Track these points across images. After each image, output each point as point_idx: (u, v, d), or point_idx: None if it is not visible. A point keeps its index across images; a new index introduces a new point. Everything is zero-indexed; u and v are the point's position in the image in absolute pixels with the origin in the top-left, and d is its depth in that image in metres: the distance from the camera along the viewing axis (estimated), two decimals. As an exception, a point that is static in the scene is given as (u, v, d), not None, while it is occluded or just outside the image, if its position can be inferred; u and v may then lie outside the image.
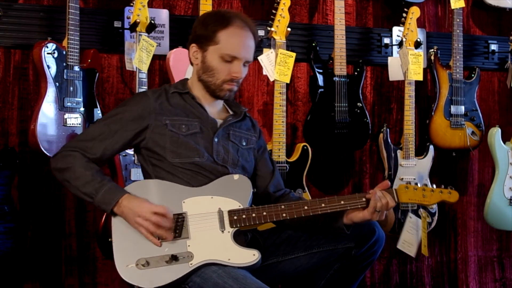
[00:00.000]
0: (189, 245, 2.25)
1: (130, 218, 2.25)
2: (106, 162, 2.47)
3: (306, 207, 2.34)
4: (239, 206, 2.32)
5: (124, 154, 3.01)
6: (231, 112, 2.57)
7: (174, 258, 2.21)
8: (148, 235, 2.24)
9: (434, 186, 2.48)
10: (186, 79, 2.55)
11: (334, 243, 2.45)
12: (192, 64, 2.50)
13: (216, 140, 2.44)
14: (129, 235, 2.26)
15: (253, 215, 2.30)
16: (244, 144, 2.53)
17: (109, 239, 2.30)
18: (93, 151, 2.36)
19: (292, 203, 2.35)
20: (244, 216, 2.30)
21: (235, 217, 2.29)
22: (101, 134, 2.38)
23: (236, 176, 2.38)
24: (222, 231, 2.28)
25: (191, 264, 2.22)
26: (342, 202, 2.35)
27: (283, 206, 2.34)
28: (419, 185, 2.48)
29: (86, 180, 2.30)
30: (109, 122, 2.41)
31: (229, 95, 2.46)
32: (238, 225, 2.29)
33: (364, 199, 2.35)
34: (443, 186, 2.47)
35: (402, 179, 3.54)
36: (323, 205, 2.34)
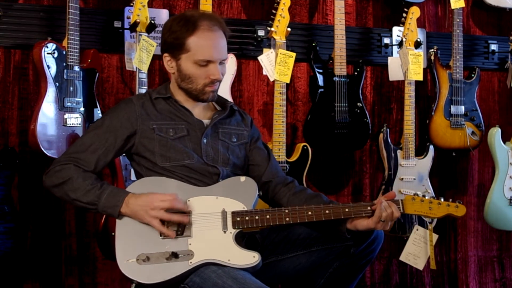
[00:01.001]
0: (190, 244, 2.25)
1: (141, 214, 2.24)
2: (101, 171, 2.44)
3: (310, 213, 2.34)
4: (243, 208, 2.32)
5: (124, 154, 3.00)
6: (218, 108, 2.56)
7: (174, 256, 2.22)
8: (162, 228, 2.23)
9: (442, 199, 2.45)
10: (169, 82, 2.54)
11: (332, 242, 2.46)
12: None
13: (204, 140, 2.44)
14: (132, 230, 2.26)
15: (256, 217, 2.31)
16: (234, 140, 2.52)
17: (112, 233, 2.31)
18: (86, 164, 2.34)
19: (296, 208, 2.35)
20: (247, 218, 2.30)
21: (238, 219, 2.29)
22: (92, 144, 2.37)
23: (242, 178, 2.39)
24: (224, 232, 2.28)
25: (191, 262, 2.22)
26: (347, 210, 2.35)
27: (286, 211, 2.34)
28: (419, 192, 2.47)
29: (86, 189, 2.28)
30: (98, 132, 2.39)
31: (212, 96, 2.45)
32: (241, 227, 2.30)
33: (369, 208, 2.34)
34: (451, 200, 2.45)
35: (402, 179, 3.54)
36: (327, 211, 2.34)
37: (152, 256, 2.22)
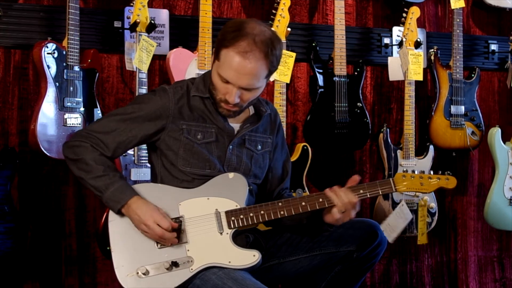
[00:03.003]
0: (188, 250, 2.24)
1: (136, 223, 2.25)
2: (118, 157, 2.43)
3: (303, 203, 2.31)
4: (236, 205, 2.30)
5: (124, 154, 3.00)
6: (251, 112, 2.46)
7: (174, 264, 2.20)
8: (151, 239, 2.24)
9: (432, 172, 2.45)
10: (210, 75, 2.39)
11: (336, 246, 2.45)
12: None
13: (230, 148, 2.39)
14: (127, 243, 2.25)
15: (251, 214, 2.28)
16: (259, 148, 2.47)
17: (107, 248, 2.30)
18: (105, 146, 2.31)
19: (289, 199, 2.33)
20: (242, 216, 2.28)
21: (233, 218, 2.28)
22: (116, 129, 2.32)
23: (231, 175, 2.34)
24: (221, 233, 2.27)
25: (191, 269, 2.21)
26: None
27: (280, 204, 2.31)
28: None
29: (97, 174, 2.26)
30: (125, 118, 2.34)
31: (229, 115, 2.34)
32: (237, 226, 2.28)
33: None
34: (440, 172, 2.42)
35: (402, 179, 3.54)
36: (320, 199, 2.33)
37: (152, 268, 2.21)
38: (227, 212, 2.28)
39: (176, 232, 2.24)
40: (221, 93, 2.29)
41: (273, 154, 2.54)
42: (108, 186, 2.25)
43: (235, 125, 2.41)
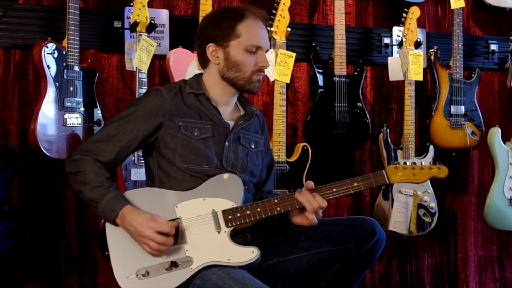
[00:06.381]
0: (187, 250, 2.24)
1: (133, 235, 2.24)
2: (121, 163, 2.44)
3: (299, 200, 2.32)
4: (232, 205, 2.30)
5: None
6: (242, 112, 2.52)
7: (174, 265, 2.21)
8: (149, 251, 2.23)
9: (423, 162, 2.47)
10: (201, 75, 2.48)
11: (334, 244, 2.45)
12: (204, 66, 2.45)
13: (227, 144, 2.41)
14: (125, 246, 2.25)
15: (248, 212, 2.29)
16: (253, 147, 2.50)
17: (106, 253, 2.30)
18: (107, 153, 2.32)
19: (285, 196, 2.33)
20: (238, 215, 2.29)
21: (230, 217, 2.28)
22: (116, 135, 2.34)
23: (226, 176, 2.35)
24: (219, 232, 2.27)
25: (191, 268, 2.22)
26: (334, 190, 2.36)
27: (276, 201, 2.32)
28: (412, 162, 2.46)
29: (94, 185, 2.27)
30: (123, 122, 2.36)
31: (258, 87, 2.44)
32: (234, 224, 2.28)
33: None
34: (431, 163, 2.47)
35: (402, 179, 3.54)
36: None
37: (151, 269, 2.21)
38: (223, 211, 2.29)
39: (174, 234, 2.24)
40: (251, 65, 2.39)
41: (264, 155, 2.57)
42: (103, 196, 2.26)
43: (230, 122, 2.45)
